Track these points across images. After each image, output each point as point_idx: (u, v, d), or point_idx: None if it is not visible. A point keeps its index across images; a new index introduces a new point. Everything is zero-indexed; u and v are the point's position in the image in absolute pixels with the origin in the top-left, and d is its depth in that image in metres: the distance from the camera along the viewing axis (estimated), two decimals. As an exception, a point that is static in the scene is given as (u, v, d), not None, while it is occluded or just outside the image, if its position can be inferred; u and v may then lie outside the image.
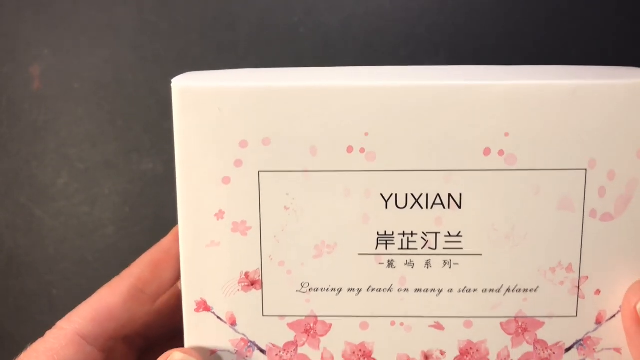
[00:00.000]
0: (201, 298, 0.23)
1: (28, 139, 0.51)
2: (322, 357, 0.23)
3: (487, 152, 0.20)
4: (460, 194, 0.21)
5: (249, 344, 0.23)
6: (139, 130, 0.51)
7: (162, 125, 0.51)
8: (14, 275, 0.52)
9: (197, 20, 0.50)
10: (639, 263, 0.21)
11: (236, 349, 0.23)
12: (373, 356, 0.22)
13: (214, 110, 0.21)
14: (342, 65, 0.48)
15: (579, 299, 0.22)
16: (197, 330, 0.24)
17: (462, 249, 0.21)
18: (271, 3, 0.50)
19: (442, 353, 0.22)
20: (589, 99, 0.20)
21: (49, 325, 0.53)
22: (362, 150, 0.21)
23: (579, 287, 0.21)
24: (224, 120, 0.21)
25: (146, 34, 0.51)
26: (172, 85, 0.22)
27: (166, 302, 0.29)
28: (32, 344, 0.29)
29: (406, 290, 0.22)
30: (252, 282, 0.22)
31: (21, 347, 0.53)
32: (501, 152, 0.20)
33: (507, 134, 0.20)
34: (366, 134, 0.21)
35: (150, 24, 0.51)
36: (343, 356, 0.22)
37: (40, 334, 0.33)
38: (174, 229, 0.28)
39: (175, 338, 0.29)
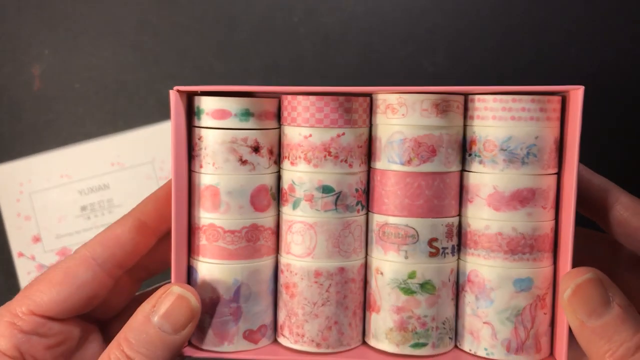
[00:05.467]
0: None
1: (29, 139, 0.52)
2: None
3: None
4: None
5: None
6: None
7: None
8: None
9: (198, 21, 0.51)
10: None
11: None
12: None
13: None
14: (342, 65, 0.49)
15: None
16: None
17: None
18: (272, 3, 0.50)
19: None
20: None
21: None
22: None
23: None
24: None
25: (147, 34, 0.51)
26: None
27: (168, 239, 0.32)
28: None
29: None
30: None
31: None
32: None
33: None
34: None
35: (150, 24, 0.51)
36: None
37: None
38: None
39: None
